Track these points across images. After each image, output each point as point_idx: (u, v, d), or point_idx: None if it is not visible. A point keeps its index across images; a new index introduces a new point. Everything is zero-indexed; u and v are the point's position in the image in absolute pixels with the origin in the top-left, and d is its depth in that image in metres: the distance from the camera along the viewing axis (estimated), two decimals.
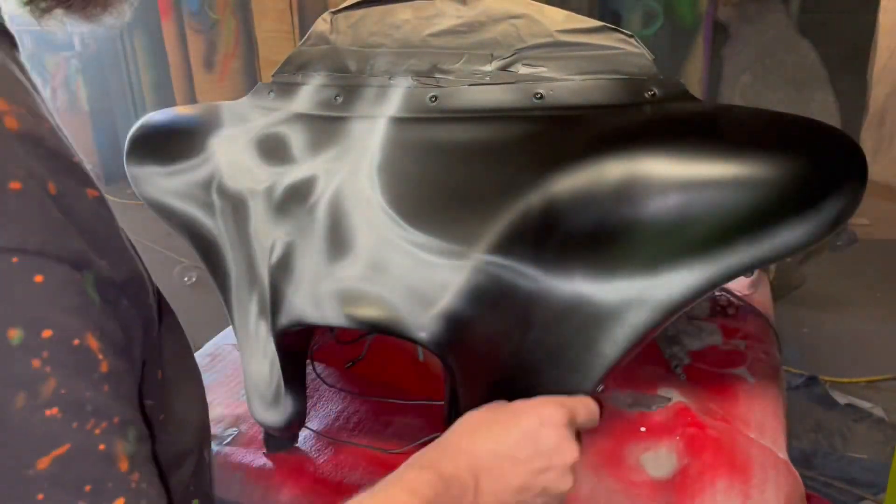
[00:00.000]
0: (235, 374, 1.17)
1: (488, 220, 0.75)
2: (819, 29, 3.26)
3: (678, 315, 0.74)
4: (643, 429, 0.91)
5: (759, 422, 0.93)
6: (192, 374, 0.66)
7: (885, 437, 2.13)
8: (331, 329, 1.13)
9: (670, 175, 0.69)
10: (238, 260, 0.92)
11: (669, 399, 0.96)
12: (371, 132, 0.84)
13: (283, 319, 0.83)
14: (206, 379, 1.16)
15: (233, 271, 0.93)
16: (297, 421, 0.91)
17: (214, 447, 0.97)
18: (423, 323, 0.75)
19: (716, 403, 0.97)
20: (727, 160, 0.69)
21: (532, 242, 0.73)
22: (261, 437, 0.97)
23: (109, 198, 0.51)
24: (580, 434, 0.64)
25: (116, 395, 0.43)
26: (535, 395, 0.73)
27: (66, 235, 0.43)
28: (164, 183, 0.98)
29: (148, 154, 1.02)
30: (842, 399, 2.28)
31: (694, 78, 3.51)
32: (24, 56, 0.58)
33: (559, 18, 0.80)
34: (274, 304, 0.85)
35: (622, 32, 0.78)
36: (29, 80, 0.53)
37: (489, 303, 0.74)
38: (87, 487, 0.39)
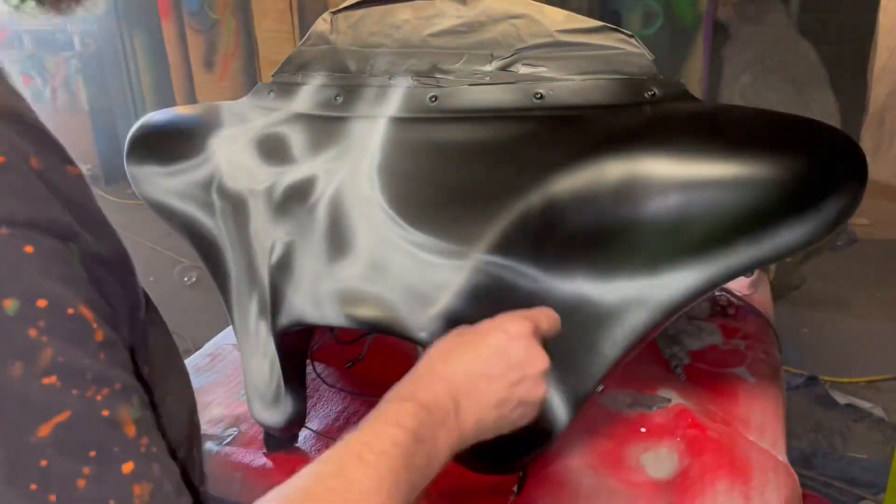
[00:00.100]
0: (235, 374, 1.17)
1: (488, 220, 0.74)
2: (819, 29, 3.26)
3: (678, 315, 0.74)
4: (643, 429, 0.91)
5: (759, 423, 0.93)
6: (179, 372, 0.66)
7: (885, 437, 2.13)
8: (331, 329, 1.13)
9: (670, 175, 0.69)
10: (238, 260, 0.92)
11: (669, 400, 0.96)
12: (371, 132, 0.84)
13: (283, 319, 0.83)
14: (207, 379, 1.17)
15: (233, 271, 0.93)
16: (297, 421, 0.91)
17: (214, 447, 0.97)
18: (423, 323, 0.75)
19: (716, 405, 0.97)
20: (727, 160, 0.69)
21: (532, 242, 0.73)
22: (261, 437, 0.97)
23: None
24: (546, 343, 0.65)
25: (114, 362, 0.43)
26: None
27: (51, 208, 0.43)
28: (164, 183, 0.98)
29: (148, 154, 1.02)
30: (842, 399, 2.28)
31: (694, 78, 3.51)
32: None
33: (559, 18, 0.80)
34: (274, 304, 0.85)
35: (622, 32, 0.78)
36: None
37: (489, 303, 0.74)
38: (92, 453, 0.39)
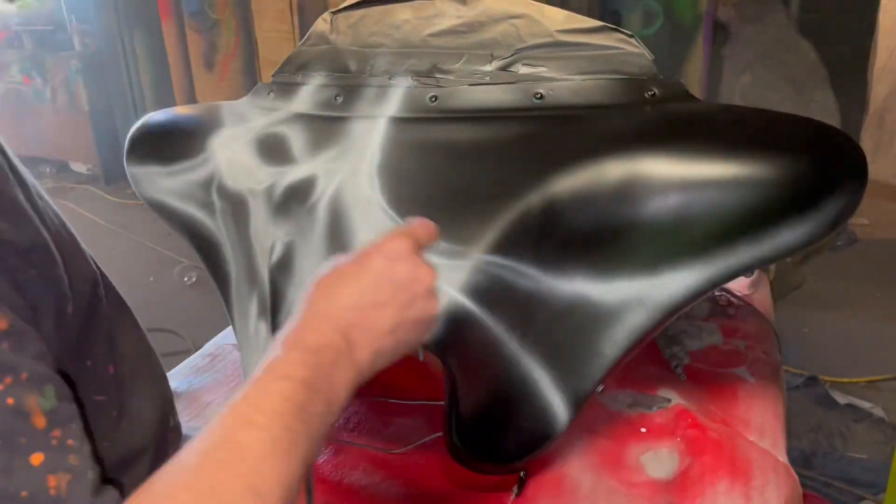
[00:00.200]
0: (235, 374, 1.17)
1: (488, 220, 0.74)
2: (819, 29, 3.26)
3: (678, 315, 0.74)
4: (643, 429, 0.91)
5: (759, 423, 0.93)
6: (153, 374, 0.64)
7: (885, 437, 2.13)
8: None
9: (670, 175, 0.69)
10: (238, 260, 0.92)
11: (669, 400, 0.96)
12: (371, 132, 0.84)
13: (284, 319, 0.83)
14: (207, 379, 1.17)
15: (233, 271, 0.93)
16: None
17: None
18: None
19: (716, 405, 0.97)
20: (727, 160, 0.69)
21: (532, 242, 0.73)
22: None
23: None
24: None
25: (21, 351, 0.41)
26: (534, 395, 0.74)
27: None
28: (164, 183, 0.98)
29: (148, 154, 1.02)
30: (842, 399, 2.28)
31: (694, 78, 3.51)
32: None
33: (559, 18, 0.80)
34: (274, 304, 0.85)
35: (622, 32, 0.78)
36: None
37: (489, 303, 0.74)
38: None
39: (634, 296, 0.71)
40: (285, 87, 0.96)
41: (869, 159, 0.70)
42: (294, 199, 0.86)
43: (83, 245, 0.59)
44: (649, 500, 0.81)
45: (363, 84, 0.88)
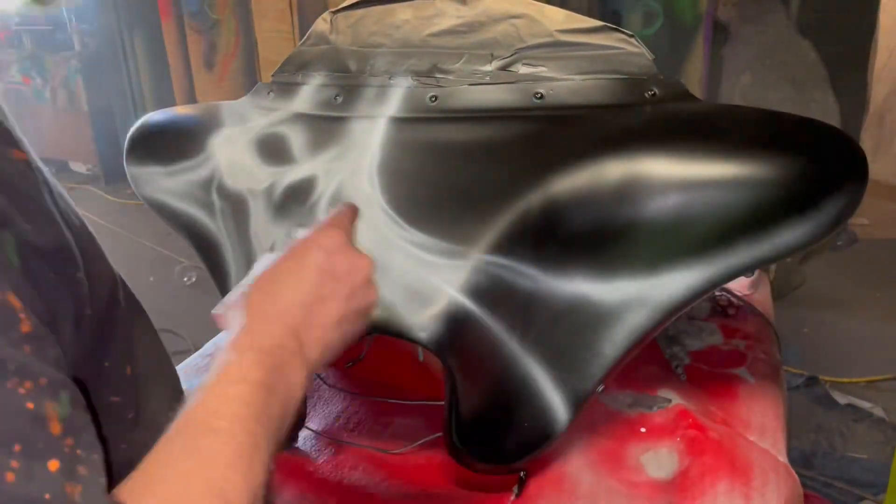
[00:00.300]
0: None
1: (488, 220, 0.75)
2: (819, 29, 3.26)
3: (678, 315, 0.74)
4: (643, 430, 0.91)
5: (760, 424, 0.93)
6: (168, 378, 0.64)
7: (885, 437, 2.13)
8: None
9: (670, 175, 0.69)
10: (238, 260, 0.92)
11: (669, 400, 0.96)
12: (371, 132, 0.84)
13: None
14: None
15: (233, 271, 0.93)
16: (297, 421, 0.91)
17: None
18: (423, 323, 0.75)
19: (716, 405, 0.97)
20: (727, 160, 0.69)
21: (532, 242, 0.73)
22: None
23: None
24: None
25: (41, 357, 0.41)
26: (535, 395, 0.74)
27: None
28: (164, 183, 0.98)
29: (148, 154, 1.02)
30: (842, 399, 2.28)
31: (694, 78, 3.51)
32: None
33: (559, 18, 0.80)
34: None
35: (622, 32, 0.78)
36: None
37: (489, 303, 0.74)
38: (17, 447, 0.37)
39: (634, 296, 0.70)
40: (285, 86, 0.96)
41: (869, 159, 0.70)
42: (294, 199, 0.86)
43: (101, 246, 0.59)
44: (649, 500, 0.81)
45: (363, 84, 0.88)
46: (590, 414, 0.92)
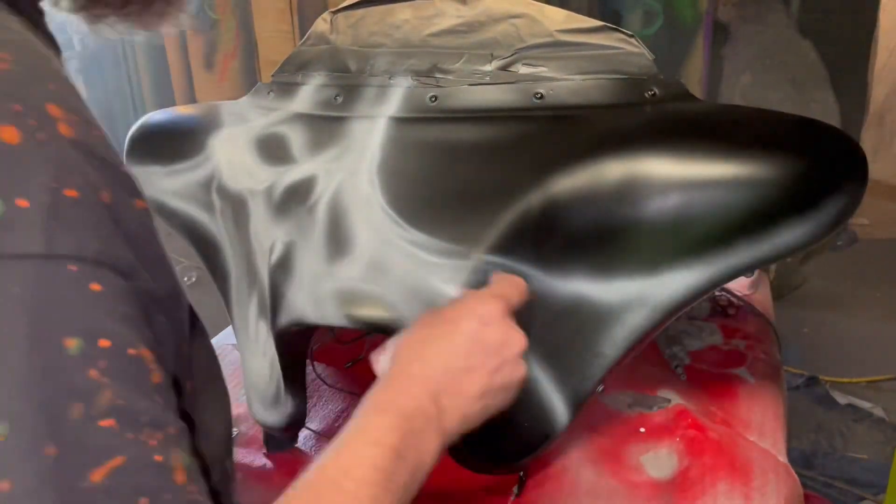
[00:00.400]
0: (235, 374, 1.17)
1: (488, 220, 0.74)
2: (819, 29, 3.27)
3: (678, 315, 0.74)
4: (643, 430, 0.91)
5: (760, 424, 0.93)
6: (218, 382, 0.64)
7: (885, 437, 2.13)
8: (331, 329, 1.12)
9: (670, 175, 0.69)
10: (238, 260, 0.92)
11: (669, 400, 0.95)
12: (371, 132, 0.84)
13: (283, 319, 0.83)
14: None
15: (233, 271, 0.93)
16: (298, 421, 0.91)
17: None
18: None
19: (716, 405, 0.97)
20: (727, 160, 0.69)
21: (532, 242, 0.73)
22: (261, 437, 0.97)
23: None
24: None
25: (168, 406, 0.42)
26: (534, 395, 0.73)
27: (118, 245, 0.42)
28: (164, 183, 0.98)
29: (148, 154, 1.02)
30: (842, 399, 2.28)
31: (694, 78, 3.51)
32: None
33: (559, 18, 0.80)
34: (274, 304, 0.85)
35: (622, 32, 0.78)
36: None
37: None
38: (144, 500, 0.38)
39: (635, 296, 0.70)
40: (285, 86, 0.96)
41: (869, 159, 0.70)
42: (294, 199, 0.86)
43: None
44: (649, 501, 0.81)
45: (363, 84, 0.88)
46: (590, 414, 0.92)
